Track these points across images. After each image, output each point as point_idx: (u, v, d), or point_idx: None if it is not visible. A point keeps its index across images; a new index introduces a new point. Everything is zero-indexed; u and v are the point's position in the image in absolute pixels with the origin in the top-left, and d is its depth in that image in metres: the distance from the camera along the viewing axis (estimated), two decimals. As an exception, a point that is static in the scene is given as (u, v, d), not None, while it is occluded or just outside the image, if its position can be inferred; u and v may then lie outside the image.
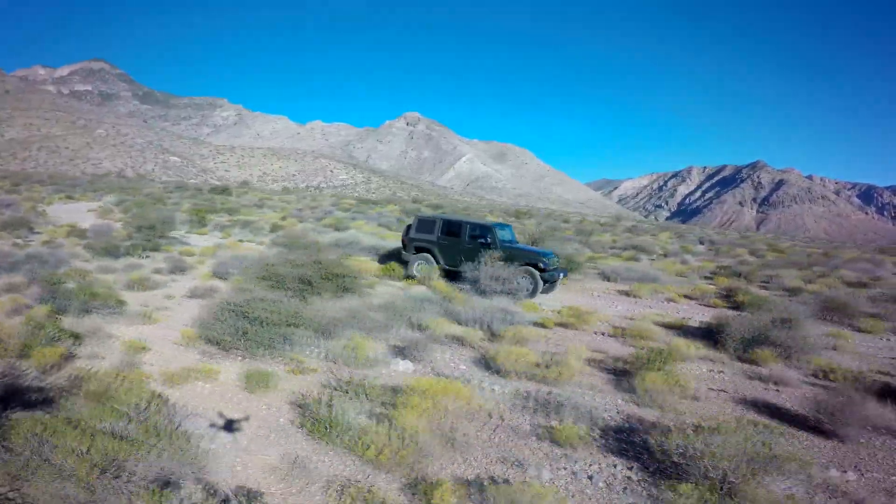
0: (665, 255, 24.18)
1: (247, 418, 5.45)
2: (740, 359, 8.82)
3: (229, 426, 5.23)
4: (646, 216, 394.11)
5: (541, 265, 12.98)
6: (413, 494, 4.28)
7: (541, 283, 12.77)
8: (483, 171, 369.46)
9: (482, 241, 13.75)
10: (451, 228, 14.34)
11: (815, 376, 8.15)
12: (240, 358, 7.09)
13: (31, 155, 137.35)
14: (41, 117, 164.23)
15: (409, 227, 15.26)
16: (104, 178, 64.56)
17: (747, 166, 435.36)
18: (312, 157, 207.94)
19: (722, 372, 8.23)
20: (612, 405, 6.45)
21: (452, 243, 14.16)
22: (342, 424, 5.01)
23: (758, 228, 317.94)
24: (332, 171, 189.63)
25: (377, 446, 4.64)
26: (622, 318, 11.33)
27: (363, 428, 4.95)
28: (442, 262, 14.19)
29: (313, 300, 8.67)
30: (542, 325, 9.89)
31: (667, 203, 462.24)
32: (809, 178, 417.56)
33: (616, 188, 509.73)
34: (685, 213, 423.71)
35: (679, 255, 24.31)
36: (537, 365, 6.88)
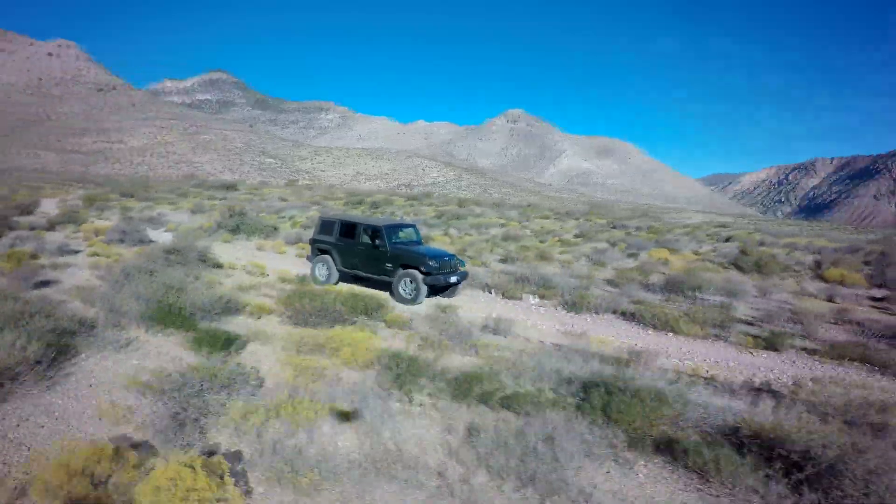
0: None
1: None
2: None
3: None
4: (764, 212, 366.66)
5: (423, 268, 12.15)
6: None
7: (423, 286, 12.07)
8: (585, 166, 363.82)
9: (375, 242, 13.13)
10: (348, 229, 13.74)
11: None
12: None
13: (144, 160, 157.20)
14: (158, 126, 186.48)
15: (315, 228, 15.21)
16: (150, 177, 75.62)
17: (885, 156, 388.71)
18: (405, 156, 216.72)
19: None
20: None
21: (348, 245, 13.58)
22: None
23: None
24: (423, 169, 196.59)
25: None
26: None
27: None
28: (339, 263, 13.70)
29: None
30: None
31: (789, 198, 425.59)
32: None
33: (731, 183, 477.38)
34: (811, 208, 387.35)
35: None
36: None
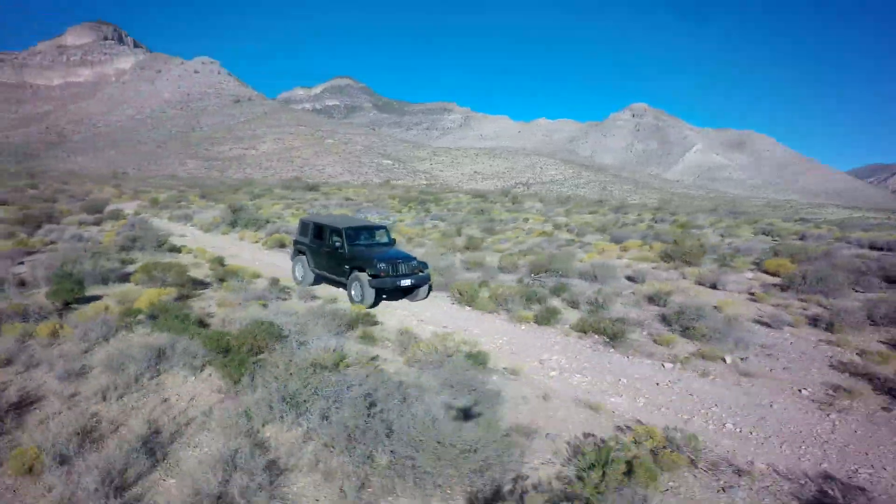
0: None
1: None
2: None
3: None
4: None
5: (370, 271, 12.06)
6: None
7: (369, 290, 11.98)
8: (715, 161, 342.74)
9: (336, 244, 13.07)
10: (318, 231, 13.85)
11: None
12: None
13: (271, 165, 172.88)
14: (287, 132, 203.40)
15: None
16: (259, 180, 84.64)
17: None
18: (523, 154, 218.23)
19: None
20: None
21: (319, 246, 13.67)
22: None
23: None
24: (541, 167, 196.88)
25: None
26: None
27: None
28: (312, 264, 13.94)
29: None
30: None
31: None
32: None
33: (894, 174, 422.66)
34: None
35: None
36: None
